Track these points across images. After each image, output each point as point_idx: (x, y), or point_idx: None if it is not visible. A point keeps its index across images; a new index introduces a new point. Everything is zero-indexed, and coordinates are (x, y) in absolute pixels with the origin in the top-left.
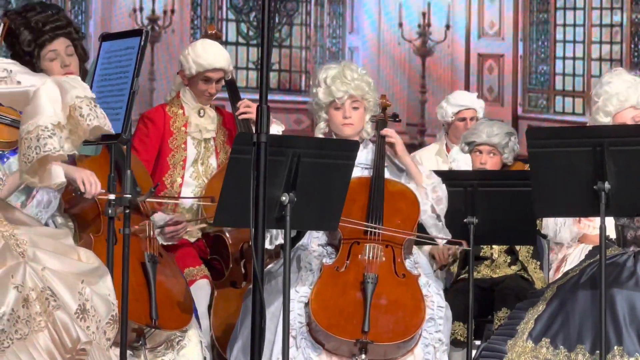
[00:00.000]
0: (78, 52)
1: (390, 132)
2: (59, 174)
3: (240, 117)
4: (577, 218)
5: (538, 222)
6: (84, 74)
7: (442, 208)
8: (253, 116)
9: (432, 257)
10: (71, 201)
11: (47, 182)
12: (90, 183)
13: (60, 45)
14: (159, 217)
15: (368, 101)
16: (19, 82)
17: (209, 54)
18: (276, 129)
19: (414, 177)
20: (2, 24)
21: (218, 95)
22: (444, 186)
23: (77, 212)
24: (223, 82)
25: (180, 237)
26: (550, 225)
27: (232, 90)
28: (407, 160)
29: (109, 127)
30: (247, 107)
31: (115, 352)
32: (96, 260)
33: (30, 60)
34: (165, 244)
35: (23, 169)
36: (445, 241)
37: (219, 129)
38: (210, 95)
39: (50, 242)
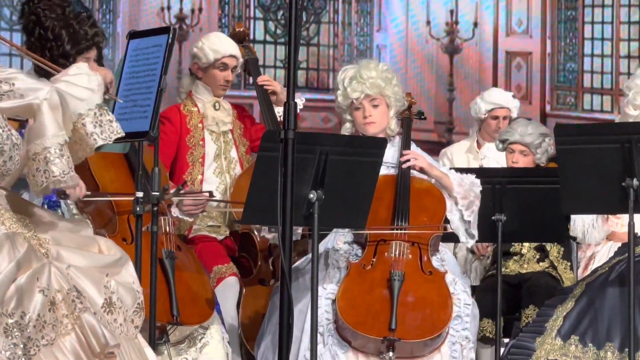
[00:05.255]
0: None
1: (409, 157)
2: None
3: (260, 83)
4: (605, 216)
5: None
6: None
7: (472, 211)
8: (272, 87)
9: (471, 251)
10: (86, 200)
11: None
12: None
13: (93, 53)
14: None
15: (388, 97)
16: (22, 96)
17: (224, 42)
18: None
19: (445, 188)
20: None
21: (244, 94)
22: (477, 184)
23: (91, 211)
24: (236, 72)
25: (197, 214)
26: (579, 227)
27: (255, 68)
28: (436, 173)
29: (116, 134)
30: (269, 80)
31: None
32: (117, 250)
33: (65, 63)
34: (181, 217)
35: (35, 189)
36: (472, 242)
37: (234, 122)
38: (227, 83)
39: (72, 237)
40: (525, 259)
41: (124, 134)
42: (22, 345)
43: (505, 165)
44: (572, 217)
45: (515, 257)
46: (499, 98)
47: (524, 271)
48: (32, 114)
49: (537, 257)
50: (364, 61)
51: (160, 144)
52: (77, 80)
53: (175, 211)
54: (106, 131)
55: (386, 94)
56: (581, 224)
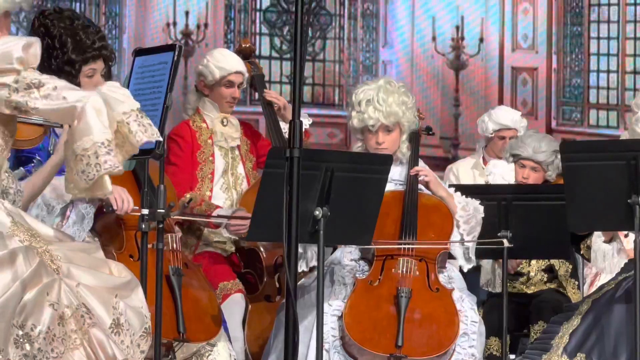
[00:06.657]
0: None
1: (419, 170)
2: (109, 184)
3: (267, 98)
4: (623, 247)
5: (583, 249)
6: None
7: (474, 236)
8: (279, 104)
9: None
10: (94, 217)
11: (98, 193)
12: (123, 200)
13: (100, 65)
14: (224, 211)
15: (403, 124)
16: (64, 98)
17: (229, 58)
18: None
19: (449, 209)
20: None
21: (250, 109)
22: (480, 210)
23: (99, 228)
24: (242, 88)
25: (244, 233)
26: (599, 257)
27: (261, 84)
28: (442, 193)
29: (157, 136)
30: (276, 97)
31: None
32: (128, 273)
33: (70, 71)
34: (230, 236)
35: (81, 186)
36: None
37: (241, 138)
38: (234, 100)
39: (84, 257)
40: (532, 282)
41: (161, 139)
42: (32, 357)
43: (511, 181)
44: (593, 248)
45: (521, 279)
46: (507, 119)
47: (530, 292)
48: (72, 118)
49: (545, 279)
50: (381, 82)
51: (178, 162)
52: (117, 88)
53: (223, 232)
54: (148, 130)
55: (401, 122)
56: (602, 255)
